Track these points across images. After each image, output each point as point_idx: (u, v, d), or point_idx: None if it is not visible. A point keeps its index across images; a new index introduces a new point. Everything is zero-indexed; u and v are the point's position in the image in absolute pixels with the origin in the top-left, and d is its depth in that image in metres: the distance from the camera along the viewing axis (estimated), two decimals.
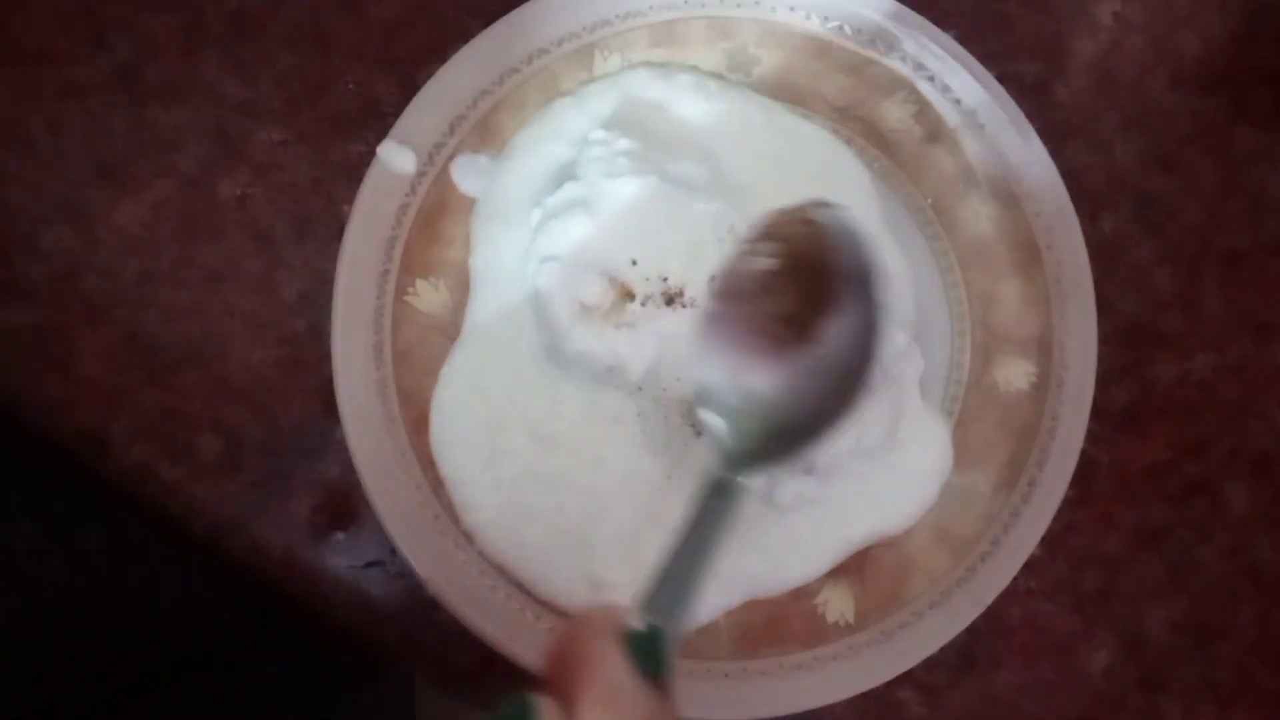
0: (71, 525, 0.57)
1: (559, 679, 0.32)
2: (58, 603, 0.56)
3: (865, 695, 0.54)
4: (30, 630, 0.55)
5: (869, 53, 0.59)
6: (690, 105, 0.58)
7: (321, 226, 0.59)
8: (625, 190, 0.54)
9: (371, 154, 0.56)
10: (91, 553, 0.57)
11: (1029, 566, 0.55)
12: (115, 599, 0.57)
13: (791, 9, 0.59)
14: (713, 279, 0.46)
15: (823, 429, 0.45)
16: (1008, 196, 0.59)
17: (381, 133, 0.57)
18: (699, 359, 0.47)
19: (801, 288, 0.48)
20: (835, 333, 0.47)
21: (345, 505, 0.57)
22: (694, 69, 0.60)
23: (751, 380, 0.46)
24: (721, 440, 0.45)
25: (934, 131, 0.60)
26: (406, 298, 0.56)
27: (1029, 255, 0.58)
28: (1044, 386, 0.57)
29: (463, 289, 0.57)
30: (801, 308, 0.48)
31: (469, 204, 0.58)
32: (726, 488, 0.43)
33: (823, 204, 0.47)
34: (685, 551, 0.39)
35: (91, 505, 0.58)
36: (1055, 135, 0.60)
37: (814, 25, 0.59)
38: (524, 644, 0.52)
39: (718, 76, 0.60)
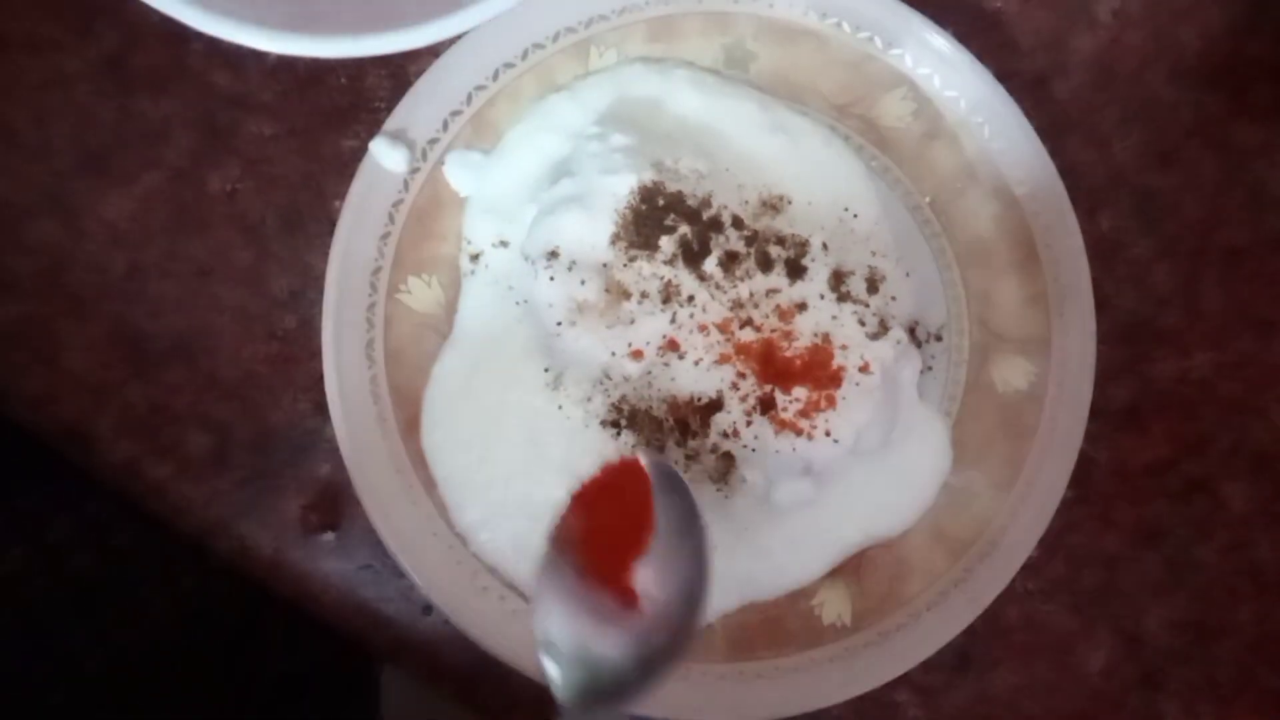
0: (61, 524, 0.56)
1: None
2: (43, 603, 0.56)
3: (862, 697, 0.54)
4: (12, 632, 0.55)
5: (868, 49, 0.59)
6: (687, 101, 0.58)
7: (312, 221, 0.58)
8: (621, 187, 0.54)
9: (363, 148, 0.56)
10: (76, 553, 0.56)
11: (1027, 566, 0.55)
12: (100, 600, 0.56)
13: (790, 4, 0.59)
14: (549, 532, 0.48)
15: (650, 680, 0.46)
16: (1006, 194, 0.58)
17: (374, 127, 0.56)
18: (539, 607, 0.47)
19: (629, 537, 0.48)
20: (660, 590, 0.47)
21: (336, 505, 0.57)
22: (690, 64, 0.59)
23: (586, 637, 0.47)
24: (556, 689, 0.46)
25: (933, 129, 0.59)
26: (399, 295, 0.56)
27: (1027, 253, 0.58)
28: (1042, 386, 0.57)
29: (456, 286, 0.57)
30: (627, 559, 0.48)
31: (463, 200, 0.57)
32: None
33: (650, 454, 0.50)
34: None
35: (76, 502, 0.58)
36: (1054, 131, 0.60)
37: (812, 21, 0.59)
38: (518, 647, 0.52)
39: (714, 72, 0.59)
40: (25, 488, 0.58)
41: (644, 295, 0.53)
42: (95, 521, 0.59)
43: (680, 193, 0.54)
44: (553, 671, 0.46)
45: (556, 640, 0.46)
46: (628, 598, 0.47)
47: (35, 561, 0.57)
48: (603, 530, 0.48)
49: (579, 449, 0.54)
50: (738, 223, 0.55)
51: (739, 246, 0.54)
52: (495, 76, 0.57)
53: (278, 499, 0.57)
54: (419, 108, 0.56)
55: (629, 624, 0.47)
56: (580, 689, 0.46)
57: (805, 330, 0.53)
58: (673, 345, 0.53)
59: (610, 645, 0.46)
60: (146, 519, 0.56)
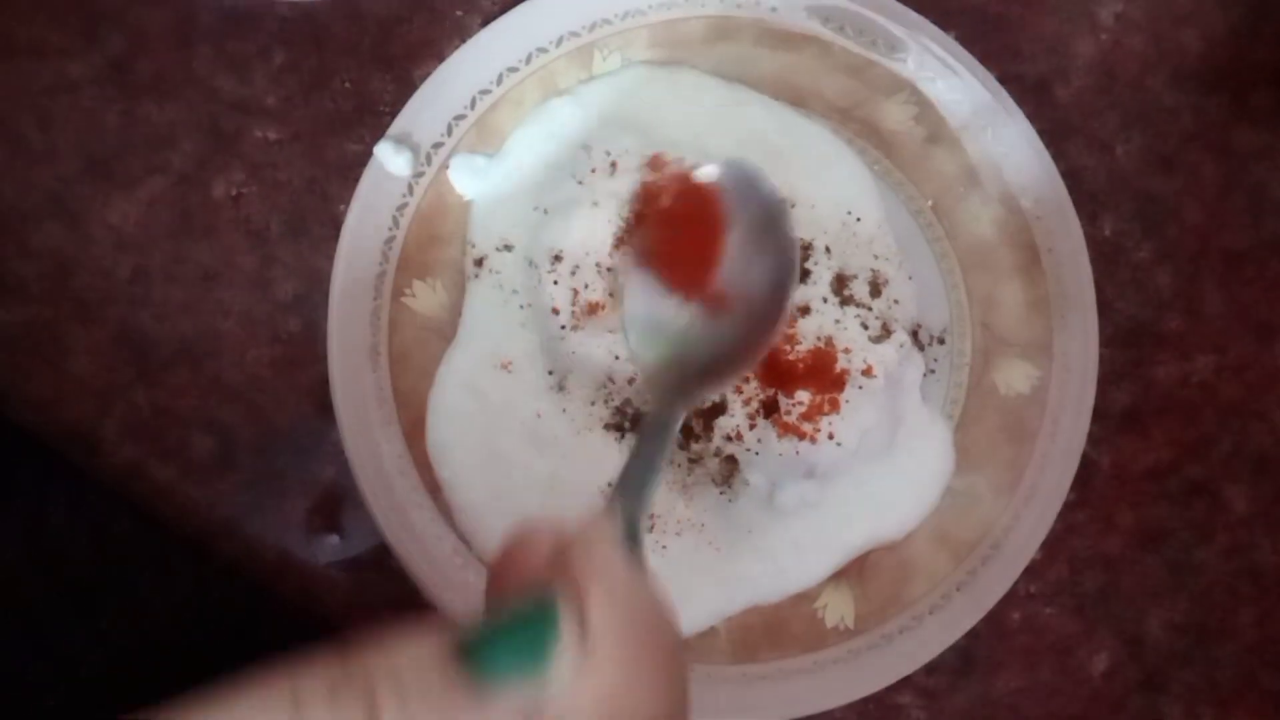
0: (58, 524, 0.56)
1: (565, 578, 0.34)
2: (40, 602, 0.56)
3: (865, 699, 0.54)
4: (11, 632, 0.55)
5: (870, 53, 0.59)
6: (690, 105, 0.58)
7: (317, 226, 0.58)
8: (625, 190, 0.54)
9: (368, 153, 0.56)
10: (75, 553, 0.56)
11: (1029, 569, 0.55)
12: (99, 600, 0.56)
13: (792, 10, 0.59)
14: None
15: (738, 366, 0.49)
16: (1009, 198, 0.58)
17: (378, 131, 0.56)
18: (627, 304, 0.50)
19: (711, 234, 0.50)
20: (746, 284, 0.50)
21: (340, 507, 0.57)
22: (693, 68, 0.59)
23: (669, 314, 0.49)
24: (643, 368, 0.49)
25: (935, 133, 0.59)
26: (403, 299, 0.56)
27: (1030, 257, 0.58)
28: (1045, 389, 0.57)
29: (460, 290, 0.57)
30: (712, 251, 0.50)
31: (467, 204, 0.57)
32: (660, 418, 0.45)
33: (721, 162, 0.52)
34: (638, 467, 0.42)
35: (74, 502, 0.58)
36: (1056, 135, 0.60)
37: (814, 26, 0.59)
38: None
39: (718, 76, 0.59)
40: (23, 487, 0.58)
41: None
42: (94, 521, 0.59)
43: None
44: (636, 343, 0.49)
45: (641, 321, 0.49)
46: (715, 301, 0.49)
47: (33, 561, 0.57)
48: (679, 245, 0.51)
49: (583, 452, 0.54)
50: None
51: None
52: (499, 80, 0.57)
53: (282, 501, 0.57)
54: (423, 111, 0.57)
55: (717, 318, 0.49)
56: (667, 374, 0.48)
57: (808, 333, 0.53)
58: None
59: (697, 331, 0.49)
60: (146, 519, 0.56)
